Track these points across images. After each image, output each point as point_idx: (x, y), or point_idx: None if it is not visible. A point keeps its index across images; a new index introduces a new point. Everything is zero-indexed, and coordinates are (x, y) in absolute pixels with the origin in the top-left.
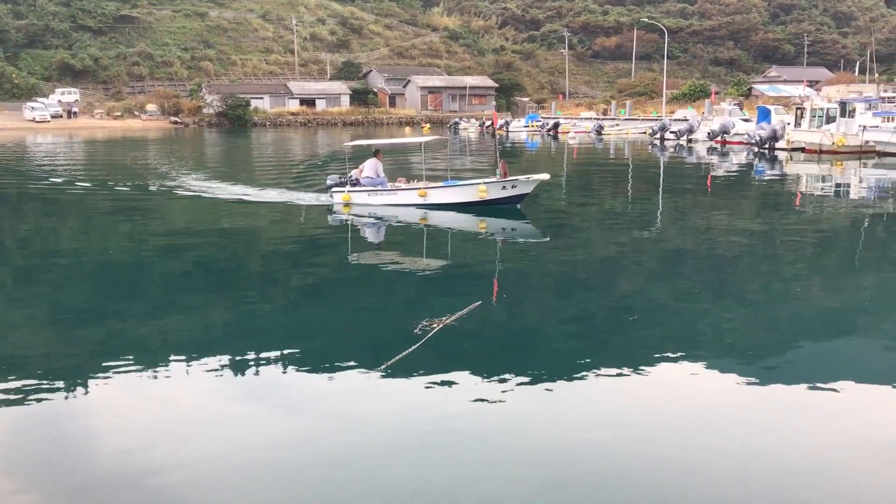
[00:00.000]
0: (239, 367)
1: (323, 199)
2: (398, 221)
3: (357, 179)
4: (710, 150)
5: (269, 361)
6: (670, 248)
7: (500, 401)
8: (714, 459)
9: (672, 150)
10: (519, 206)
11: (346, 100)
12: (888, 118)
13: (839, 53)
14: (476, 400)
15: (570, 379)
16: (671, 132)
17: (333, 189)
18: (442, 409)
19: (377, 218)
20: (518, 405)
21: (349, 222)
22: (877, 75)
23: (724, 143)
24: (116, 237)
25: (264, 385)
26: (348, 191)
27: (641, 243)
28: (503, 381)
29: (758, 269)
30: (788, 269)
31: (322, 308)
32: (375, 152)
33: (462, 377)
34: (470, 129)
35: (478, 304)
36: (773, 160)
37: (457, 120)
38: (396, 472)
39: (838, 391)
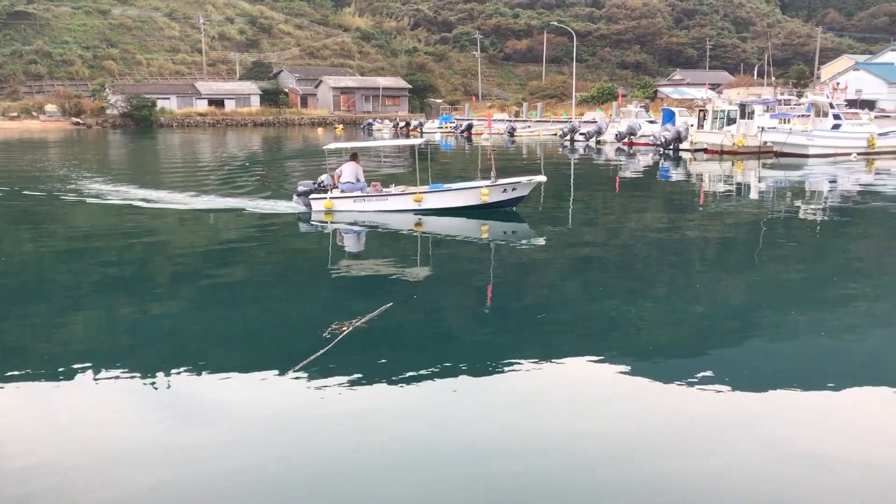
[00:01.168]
0: (141, 373)
1: (282, 206)
2: (385, 229)
3: (327, 185)
4: (618, 152)
5: (173, 367)
6: (582, 247)
7: (408, 401)
8: (611, 450)
9: (582, 151)
10: (515, 208)
11: (256, 100)
12: (784, 120)
13: (739, 57)
14: (384, 401)
15: (480, 377)
16: (581, 134)
17: (312, 196)
18: (348, 413)
19: (363, 225)
20: (427, 404)
21: (322, 230)
22: (774, 79)
23: (631, 144)
24: (15, 243)
25: (167, 391)
26: (331, 197)
27: (553, 242)
28: (411, 381)
29: (664, 268)
30: (693, 266)
31: (232, 313)
32: (353, 155)
33: (371, 379)
34: (384, 131)
35: (389, 305)
36: (678, 161)
37: (370, 121)
38: (301, 477)
39: (736, 387)
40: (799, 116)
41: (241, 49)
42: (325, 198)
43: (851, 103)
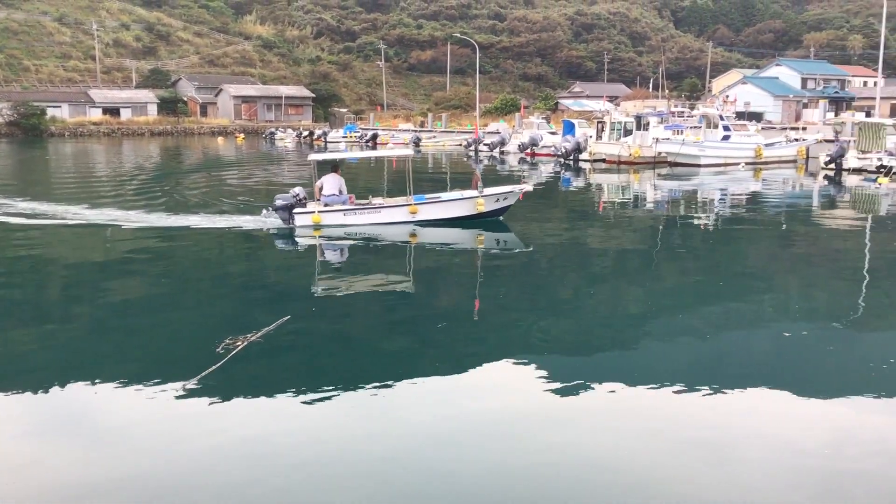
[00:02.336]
0: (27, 388)
1: (249, 222)
2: (377, 241)
3: (304, 198)
4: (521, 162)
5: (62, 383)
6: (486, 256)
7: (302, 415)
8: (520, 457)
9: (486, 161)
10: (502, 217)
11: (153, 109)
12: (677, 131)
13: (636, 71)
14: (279, 416)
15: (376, 388)
16: (485, 144)
17: (296, 211)
18: (240, 429)
19: (353, 239)
20: (323, 418)
21: (309, 247)
22: (668, 91)
23: (533, 154)
24: None
25: (51, 407)
26: (319, 211)
27: (458, 251)
28: (307, 395)
29: (566, 275)
30: (591, 270)
31: (131, 330)
32: (335, 167)
33: (263, 394)
34: (287, 140)
35: (286, 318)
36: (578, 171)
37: (272, 130)
38: (192, 497)
39: (630, 384)
40: (691, 128)
41: (137, 56)
42: (313, 212)
43: (740, 115)
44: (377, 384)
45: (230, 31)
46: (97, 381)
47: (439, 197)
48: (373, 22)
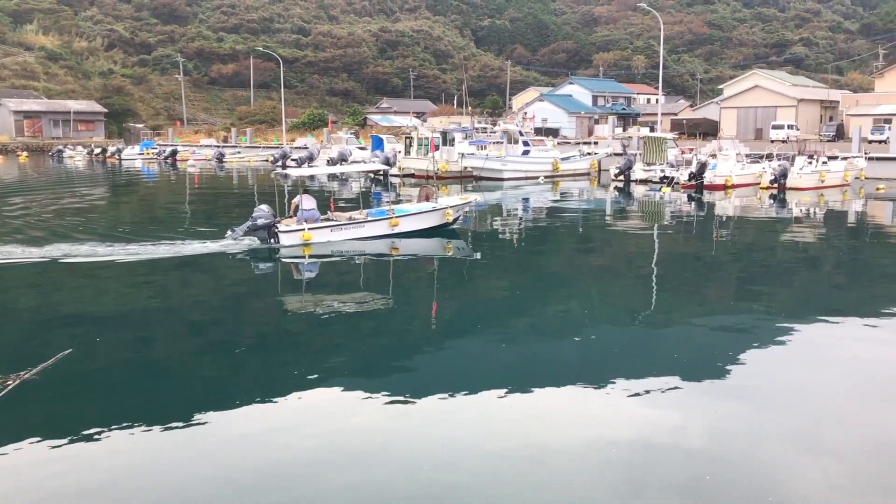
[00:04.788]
0: None
1: (210, 246)
2: (365, 255)
3: (269, 219)
4: (331, 178)
5: None
6: (282, 273)
7: (76, 456)
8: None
9: (296, 177)
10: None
11: None
12: (481, 146)
13: (440, 87)
14: (58, 459)
15: (169, 424)
16: (292, 159)
17: (282, 230)
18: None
19: (342, 255)
20: (118, 457)
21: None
22: (471, 108)
23: None
24: None
25: None
26: (309, 228)
27: (253, 270)
28: (86, 432)
29: (378, 285)
30: (405, 281)
31: None
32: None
33: (40, 437)
34: (77, 158)
35: (68, 351)
36: (388, 185)
37: (60, 147)
38: None
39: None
40: (494, 143)
41: None
42: (303, 229)
43: (538, 131)
44: (170, 420)
45: (8, 42)
46: None
47: (420, 209)
48: (170, 34)
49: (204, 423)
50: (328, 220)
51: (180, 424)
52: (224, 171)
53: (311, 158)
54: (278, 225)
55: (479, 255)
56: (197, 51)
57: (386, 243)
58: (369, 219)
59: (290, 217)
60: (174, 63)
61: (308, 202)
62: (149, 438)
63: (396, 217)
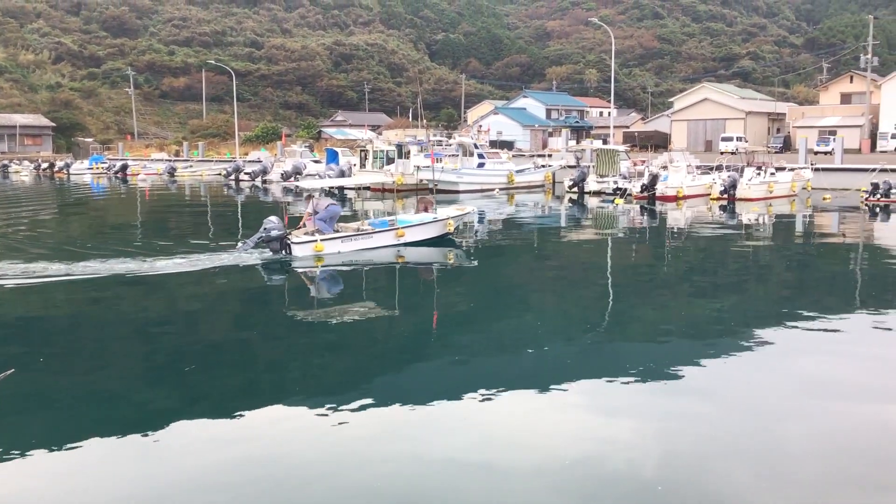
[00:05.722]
0: None
1: (225, 258)
2: (373, 265)
3: (281, 229)
4: (286, 192)
5: None
6: (245, 287)
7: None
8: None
9: (248, 190)
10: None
11: None
12: (437, 159)
13: (395, 101)
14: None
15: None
16: (246, 173)
17: (295, 241)
18: None
19: (353, 265)
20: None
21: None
22: (426, 121)
23: None
24: None
25: None
26: (322, 240)
27: (217, 284)
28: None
29: (331, 299)
30: (372, 291)
31: None
32: (308, 196)
33: None
34: (23, 173)
35: (10, 371)
36: (344, 199)
37: (6, 163)
38: None
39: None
40: (449, 156)
41: None
42: (315, 241)
43: (493, 144)
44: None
45: None
46: None
47: (423, 220)
48: (119, 47)
49: (176, 434)
50: (374, 230)
51: (155, 437)
52: (176, 186)
53: (264, 172)
54: (290, 236)
55: (476, 263)
56: (148, 64)
57: (392, 252)
58: (378, 230)
59: (301, 227)
60: (124, 76)
61: (325, 200)
62: (123, 453)
63: (402, 228)
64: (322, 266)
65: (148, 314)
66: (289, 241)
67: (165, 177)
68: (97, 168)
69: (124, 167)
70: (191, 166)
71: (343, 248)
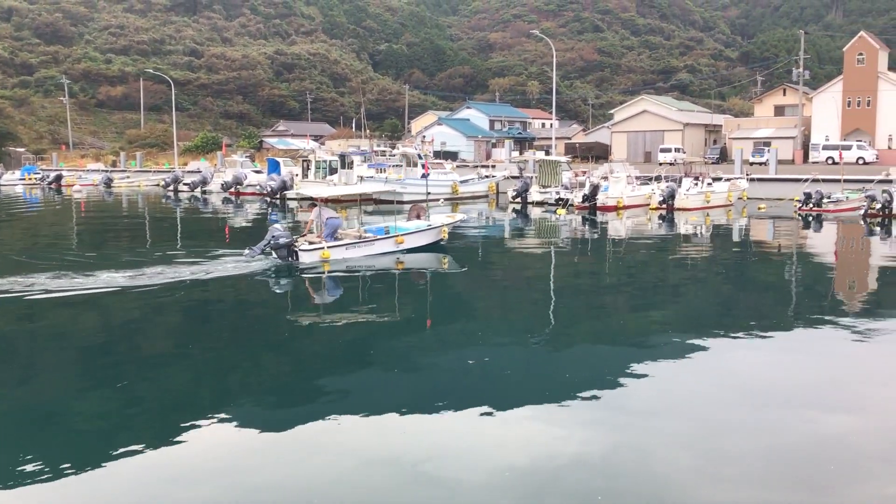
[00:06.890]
0: None
1: (230, 265)
2: (373, 271)
3: (289, 236)
4: (225, 201)
5: None
6: (183, 297)
7: None
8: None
9: (187, 201)
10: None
11: None
12: (381, 169)
13: (338, 111)
14: None
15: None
16: (185, 184)
17: (303, 248)
18: None
19: (356, 271)
20: None
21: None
22: (369, 131)
23: (237, 194)
24: None
25: None
26: (328, 247)
27: (149, 294)
28: None
29: (284, 312)
30: (326, 302)
31: None
32: (314, 203)
33: None
34: None
35: None
36: (285, 209)
37: None
38: None
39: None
40: (393, 166)
41: None
42: (322, 248)
43: (437, 154)
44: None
45: None
46: None
47: (420, 227)
48: (53, 55)
49: (169, 446)
50: (376, 237)
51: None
52: (112, 196)
53: (204, 182)
54: (297, 243)
55: (466, 269)
56: (83, 72)
57: (392, 258)
58: (379, 237)
59: (305, 235)
60: (58, 85)
61: (328, 212)
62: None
63: (402, 235)
64: (328, 272)
65: (146, 323)
66: (296, 249)
67: (102, 188)
68: (30, 179)
69: (59, 178)
70: (128, 177)
71: (347, 255)
